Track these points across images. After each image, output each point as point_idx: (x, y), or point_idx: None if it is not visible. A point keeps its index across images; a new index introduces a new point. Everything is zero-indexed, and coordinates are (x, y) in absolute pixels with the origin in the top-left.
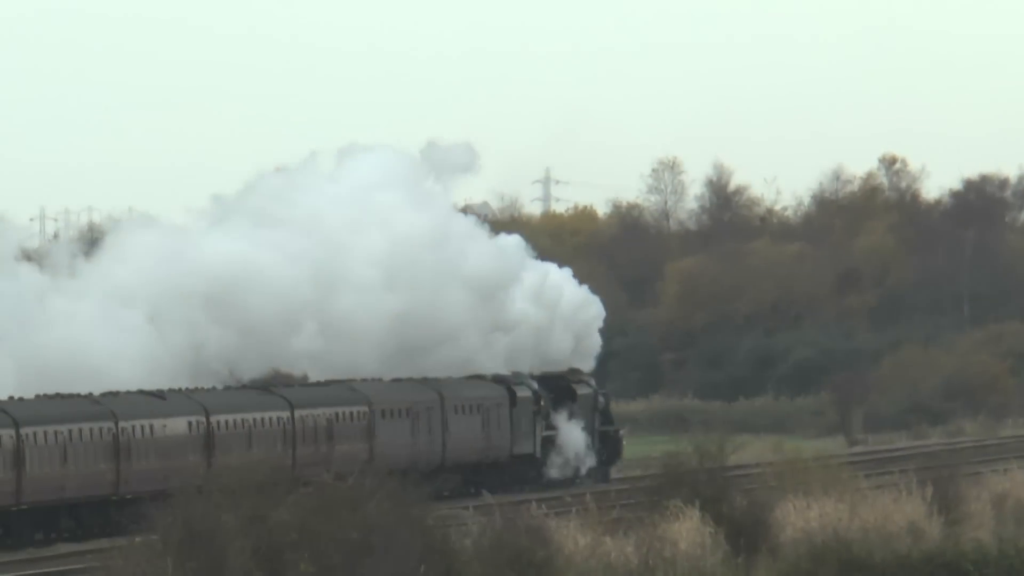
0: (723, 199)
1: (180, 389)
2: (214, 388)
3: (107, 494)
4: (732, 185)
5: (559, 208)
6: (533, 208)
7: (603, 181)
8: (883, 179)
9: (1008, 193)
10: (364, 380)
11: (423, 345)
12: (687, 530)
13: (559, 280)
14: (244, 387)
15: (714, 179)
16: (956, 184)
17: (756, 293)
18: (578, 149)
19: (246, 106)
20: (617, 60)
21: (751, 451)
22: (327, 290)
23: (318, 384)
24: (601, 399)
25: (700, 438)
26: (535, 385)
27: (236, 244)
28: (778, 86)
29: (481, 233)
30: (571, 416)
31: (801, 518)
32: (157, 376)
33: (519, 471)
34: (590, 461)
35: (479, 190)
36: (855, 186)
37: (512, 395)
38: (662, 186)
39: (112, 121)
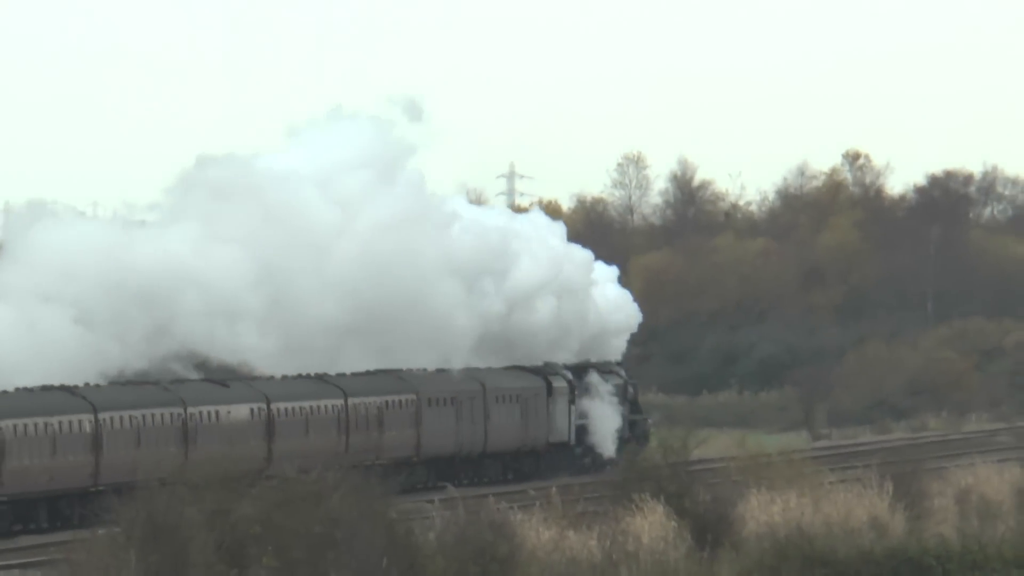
0: (688, 194)
1: (242, 377)
2: (273, 377)
3: (176, 476)
4: (697, 180)
5: (523, 202)
6: (498, 202)
7: (567, 176)
8: (847, 175)
9: (972, 189)
10: (411, 370)
11: (393, 335)
12: (651, 524)
13: (592, 279)
14: (300, 376)
15: (679, 174)
16: (920, 180)
17: (720, 289)
18: (543, 143)
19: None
20: (582, 55)
21: (715, 446)
22: (278, 282)
23: (368, 373)
24: (630, 389)
25: (664, 433)
26: (569, 375)
27: (173, 240)
28: (743, 81)
29: (464, 215)
30: (603, 405)
31: (764, 513)
32: (79, 375)
33: (554, 458)
34: (620, 448)
35: (444, 184)
36: (819, 182)
37: (549, 385)
38: (627, 181)
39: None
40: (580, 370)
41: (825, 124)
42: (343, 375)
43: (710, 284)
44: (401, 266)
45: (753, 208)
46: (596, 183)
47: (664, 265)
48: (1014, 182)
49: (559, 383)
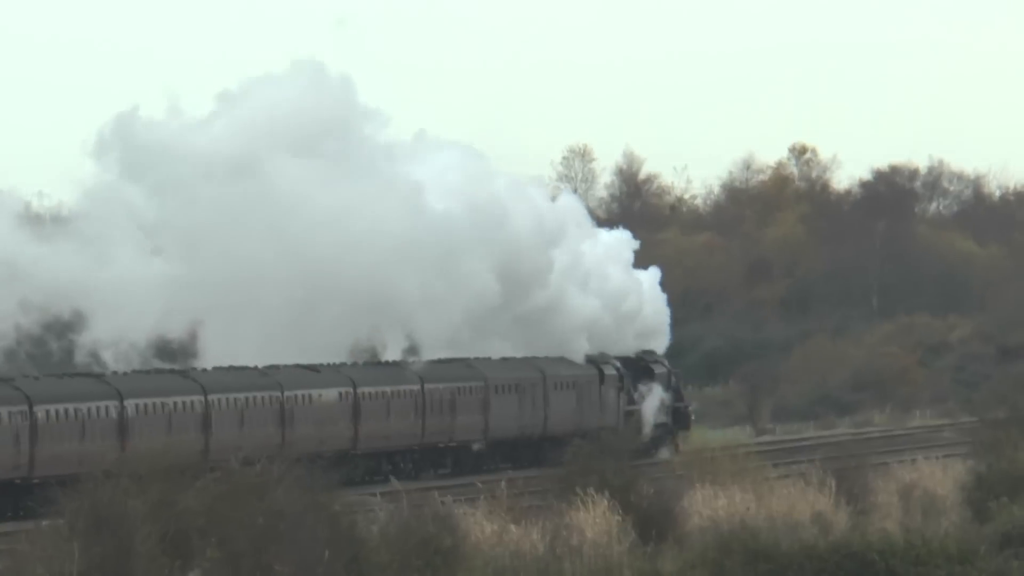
0: (633, 188)
1: (330, 363)
2: (357, 363)
3: (275, 455)
4: (642, 174)
5: None
6: None
7: (513, 168)
8: (793, 169)
9: (918, 184)
10: (478, 358)
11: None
12: (594, 519)
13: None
14: (381, 363)
15: (624, 167)
16: (866, 174)
17: (665, 282)
18: (488, 135)
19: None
20: (529, 47)
21: None
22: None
23: (441, 361)
24: (673, 378)
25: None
26: (619, 364)
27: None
28: (689, 75)
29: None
30: (648, 393)
31: (708, 507)
32: None
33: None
34: (665, 433)
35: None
36: (765, 176)
37: (601, 373)
38: (572, 174)
39: None
40: (628, 360)
41: (771, 118)
42: (419, 362)
43: None
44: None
45: (699, 202)
46: (542, 176)
47: None
48: (960, 177)
49: (610, 372)
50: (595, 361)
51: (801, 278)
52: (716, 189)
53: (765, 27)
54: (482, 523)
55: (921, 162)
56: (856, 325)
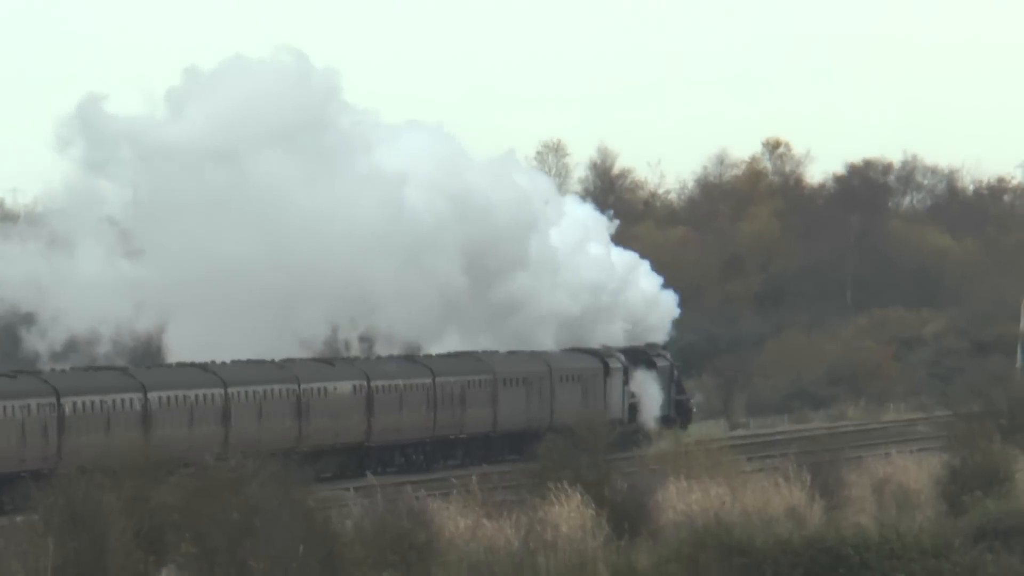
0: (607, 182)
1: (344, 357)
2: (370, 357)
3: (291, 447)
4: (616, 169)
5: None
6: None
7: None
8: (767, 164)
9: (892, 178)
10: (487, 352)
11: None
12: (569, 513)
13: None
14: (392, 356)
15: (598, 162)
16: (840, 169)
17: None
18: (462, 130)
19: None
20: (502, 42)
21: None
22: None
23: (450, 355)
24: (675, 371)
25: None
26: (623, 357)
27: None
28: (663, 70)
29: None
30: (651, 385)
31: (682, 502)
32: None
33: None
34: (668, 425)
35: None
36: (739, 170)
37: (606, 366)
38: (546, 168)
39: None
40: (631, 353)
41: (745, 113)
42: (430, 356)
43: None
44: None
45: (672, 197)
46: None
47: None
48: (933, 171)
49: (615, 364)
50: (600, 354)
51: (775, 272)
52: (690, 184)
53: (738, 22)
54: (456, 518)
55: (895, 156)
56: (830, 319)
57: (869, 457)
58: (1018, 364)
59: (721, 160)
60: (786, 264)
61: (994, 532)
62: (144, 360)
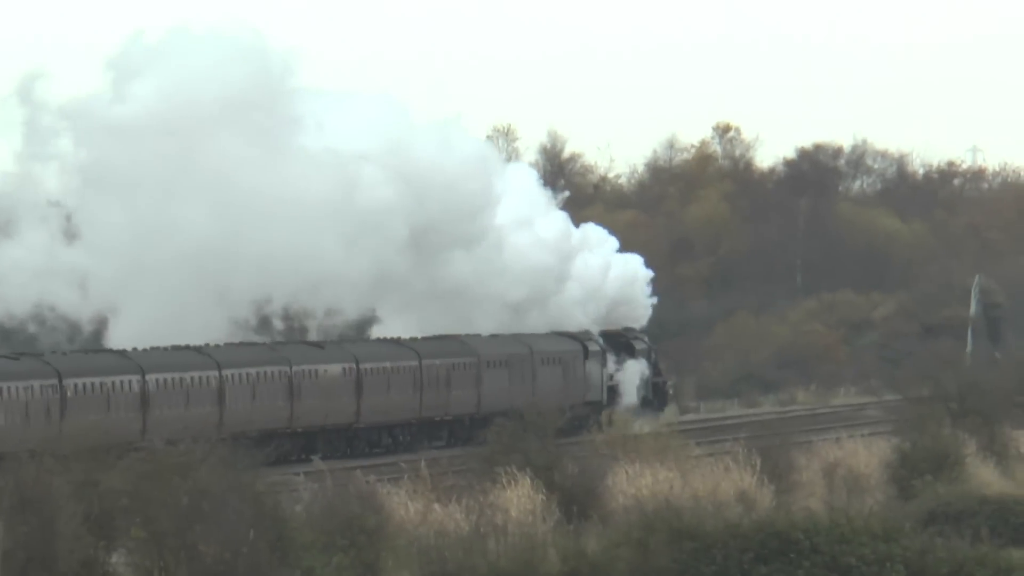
0: (557, 167)
1: (333, 340)
2: (361, 340)
3: (283, 427)
4: (566, 153)
5: None
6: None
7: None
8: (717, 147)
9: (841, 162)
10: (470, 335)
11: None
12: (518, 497)
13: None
14: (380, 339)
15: (548, 147)
16: (790, 153)
17: None
18: (412, 114)
19: None
20: (450, 25)
21: None
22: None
23: (437, 337)
24: (652, 354)
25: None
26: (601, 341)
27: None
28: (612, 54)
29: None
30: (630, 368)
31: (632, 486)
32: None
33: (589, 416)
34: (645, 407)
35: None
36: (689, 155)
37: (585, 349)
38: (497, 153)
39: None
40: (610, 336)
41: (695, 97)
42: (416, 339)
43: None
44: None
45: (622, 181)
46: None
47: None
48: (883, 155)
49: (593, 347)
50: (579, 337)
51: (724, 256)
52: (640, 168)
53: (688, 6)
54: (406, 502)
55: (845, 140)
56: (780, 303)
57: (819, 441)
58: (968, 348)
59: (671, 144)
60: (735, 247)
61: (944, 516)
62: (88, 346)
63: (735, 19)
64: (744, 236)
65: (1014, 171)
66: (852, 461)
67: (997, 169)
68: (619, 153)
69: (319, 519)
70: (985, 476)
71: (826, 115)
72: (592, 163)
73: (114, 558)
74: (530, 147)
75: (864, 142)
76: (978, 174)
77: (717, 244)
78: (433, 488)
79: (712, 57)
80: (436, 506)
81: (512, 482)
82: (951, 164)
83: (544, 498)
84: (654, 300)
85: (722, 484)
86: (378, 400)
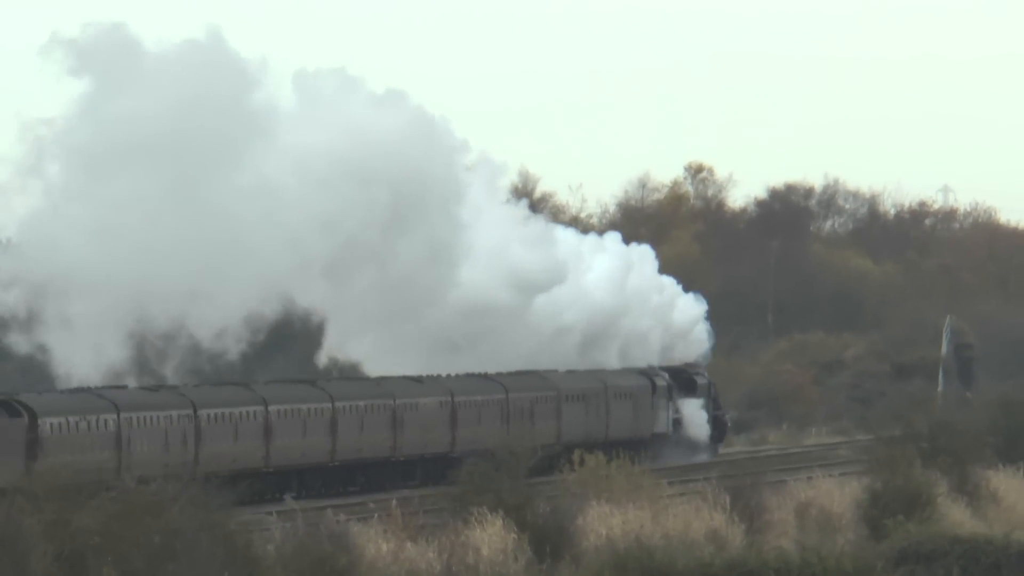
0: (528, 207)
1: (431, 375)
2: (453, 375)
3: (387, 456)
4: (538, 192)
5: None
6: None
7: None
8: (689, 187)
9: (813, 202)
10: (548, 371)
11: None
12: (490, 537)
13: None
14: (470, 375)
15: (519, 186)
16: (762, 193)
17: None
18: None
19: None
20: (418, 60)
21: None
22: None
23: (521, 373)
24: (712, 389)
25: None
26: (667, 376)
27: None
28: (584, 93)
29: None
30: (692, 402)
31: (604, 525)
32: None
33: (657, 446)
34: (706, 439)
35: None
36: (661, 194)
37: (653, 384)
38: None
39: None
40: (673, 371)
41: (667, 137)
42: (502, 374)
43: None
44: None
45: (594, 221)
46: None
47: None
48: (855, 195)
49: (660, 382)
50: (647, 373)
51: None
52: (611, 208)
53: (660, 45)
54: (378, 541)
55: (816, 180)
56: (751, 343)
57: (791, 481)
58: (939, 388)
59: (643, 184)
60: (707, 287)
61: (915, 556)
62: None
63: (707, 59)
64: (716, 276)
65: (985, 211)
66: (824, 501)
67: (968, 209)
68: (591, 193)
69: (290, 558)
70: (956, 516)
71: (798, 155)
72: (564, 203)
73: None
74: (501, 186)
75: (836, 182)
76: (949, 214)
77: (688, 284)
78: (405, 527)
79: (684, 97)
80: (408, 545)
81: (484, 521)
82: (922, 204)
83: (516, 537)
84: (710, 338)
85: (693, 523)
86: (471, 431)
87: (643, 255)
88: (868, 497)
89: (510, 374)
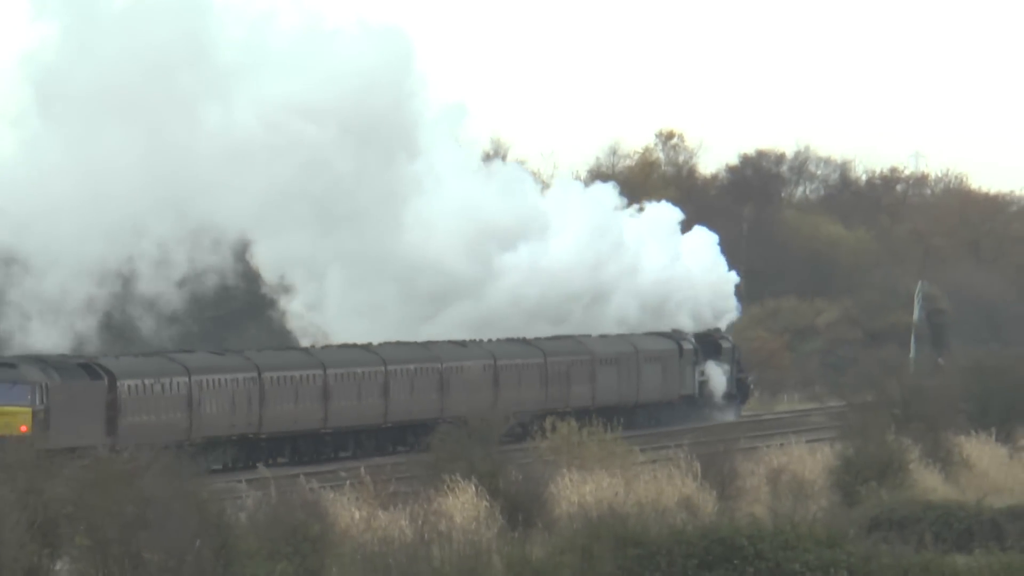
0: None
1: (474, 340)
2: (494, 340)
3: (435, 417)
4: (509, 159)
5: None
6: None
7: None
8: (660, 154)
9: (784, 168)
10: (583, 335)
11: None
12: (463, 504)
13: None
14: (511, 339)
15: (491, 153)
16: (733, 159)
17: None
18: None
19: None
20: (392, 33)
21: None
22: None
23: (557, 337)
24: (736, 352)
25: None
26: (693, 340)
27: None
28: (556, 59)
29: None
30: (717, 365)
31: (576, 493)
32: None
33: (685, 408)
34: (730, 400)
35: None
36: (632, 161)
37: (680, 348)
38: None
39: None
40: (699, 336)
41: (638, 103)
42: (540, 339)
43: None
44: None
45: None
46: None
47: None
48: (826, 162)
49: (687, 346)
50: (674, 337)
51: None
52: (583, 174)
53: (631, 11)
54: (351, 509)
55: (788, 147)
56: None
57: (764, 447)
58: (911, 354)
59: (614, 151)
60: None
61: (888, 522)
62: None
63: (677, 25)
64: None
65: (957, 177)
66: (796, 467)
67: (940, 175)
68: (562, 160)
69: (263, 527)
70: (929, 482)
71: (769, 121)
72: (536, 170)
73: (58, 566)
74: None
75: (807, 148)
76: (921, 180)
77: None
78: (377, 495)
79: (655, 63)
80: (380, 513)
81: (456, 489)
82: (894, 170)
83: (488, 505)
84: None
85: (666, 491)
86: (511, 393)
87: (704, 239)
88: (841, 463)
89: (547, 339)
